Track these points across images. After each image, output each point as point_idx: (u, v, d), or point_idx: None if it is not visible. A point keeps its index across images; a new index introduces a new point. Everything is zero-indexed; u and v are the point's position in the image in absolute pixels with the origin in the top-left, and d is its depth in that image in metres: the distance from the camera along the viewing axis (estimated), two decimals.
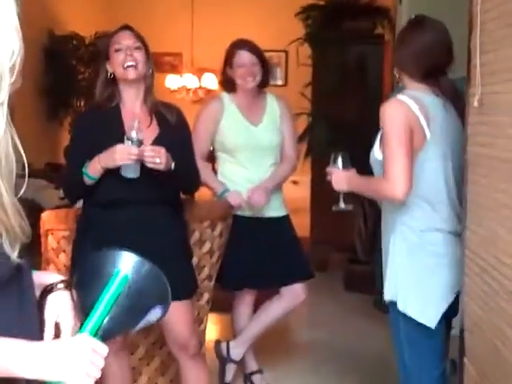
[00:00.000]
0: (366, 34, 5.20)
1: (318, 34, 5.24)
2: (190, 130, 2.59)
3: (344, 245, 5.00)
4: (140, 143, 2.27)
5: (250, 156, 3.08)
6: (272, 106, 3.17)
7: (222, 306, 3.28)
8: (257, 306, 3.24)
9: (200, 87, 7.92)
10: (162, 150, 2.27)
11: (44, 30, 6.64)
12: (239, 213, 3.03)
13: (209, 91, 7.71)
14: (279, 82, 7.95)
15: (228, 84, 3.11)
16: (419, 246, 2.17)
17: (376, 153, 2.19)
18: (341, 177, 2.25)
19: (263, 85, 3.12)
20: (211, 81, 7.81)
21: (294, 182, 6.64)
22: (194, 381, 2.52)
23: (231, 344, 3.16)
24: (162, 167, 2.26)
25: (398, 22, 4.45)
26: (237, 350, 3.15)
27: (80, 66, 6.96)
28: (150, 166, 2.25)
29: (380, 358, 3.44)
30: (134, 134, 2.27)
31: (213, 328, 3.75)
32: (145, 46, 2.44)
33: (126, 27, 2.48)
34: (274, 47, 6.98)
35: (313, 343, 3.92)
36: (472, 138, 1.95)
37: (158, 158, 2.25)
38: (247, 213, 3.07)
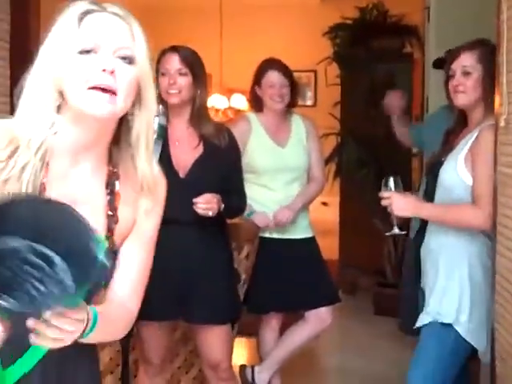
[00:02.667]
0: (394, 52, 5.13)
1: (347, 54, 5.20)
2: (239, 154, 2.58)
3: (373, 268, 4.91)
4: (162, 128, 2.25)
5: (277, 178, 3.04)
6: (298, 126, 3.14)
7: (248, 329, 3.22)
8: (283, 331, 3.18)
9: (229, 107, 7.93)
10: (214, 200, 2.27)
11: None
12: (265, 235, 2.99)
13: (238, 111, 7.71)
14: (308, 103, 7.91)
15: (256, 103, 3.08)
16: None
17: (462, 175, 2.10)
18: (403, 202, 2.16)
19: (291, 106, 3.09)
20: (240, 101, 7.81)
21: (324, 204, 6.58)
22: None
23: (256, 369, 3.10)
24: (211, 215, 2.28)
25: (427, 40, 4.39)
26: (262, 375, 3.09)
27: None
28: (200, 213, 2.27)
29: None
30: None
31: (239, 352, 3.69)
32: (192, 69, 2.39)
33: (174, 49, 2.42)
34: (303, 67, 6.97)
35: (341, 368, 3.82)
36: (500, 158, 1.88)
37: (210, 211, 2.27)
38: (273, 235, 3.02)
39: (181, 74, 2.38)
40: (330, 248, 4.32)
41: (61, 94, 1.10)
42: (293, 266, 3.01)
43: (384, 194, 2.20)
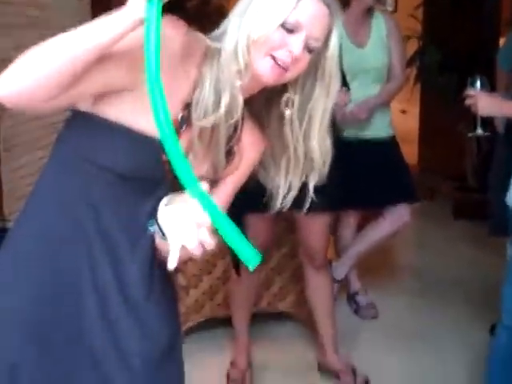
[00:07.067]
0: None
1: None
2: None
3: (453, 173, 4.84)
4: None
5: (356, 79, 2.98)
6: (379, 24, 3.06)
7: None
8: (360, 229, 3.23)
9: None
10: None
11: None
12: (344, 134, 2.99)
13: None
14: (389, 8, 7.61)
15: None
16: None
17: None
18: (488, 101, 2.11)
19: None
20: None
21: (403, 112, 6.46)
22: (318, 291, 2.62)
23: (333, 264, 3.17)
24: None
25: None
26: (339, 269, 3.15)
27: None
28: None
29: (485, 285, 3.36)
30: None
31: None
32: None
33: None
34: None
35: (418, 268, 3.84)
36: None
37: None
38: (352, 133, 3.01)
39: None
40: (408, 154, 4.27)
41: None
42: (371, 163, 3.01)
43: (469, 92, 2.16)
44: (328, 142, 1.24)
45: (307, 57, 1.15)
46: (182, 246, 1.02)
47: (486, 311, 2.97)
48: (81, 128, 1.14)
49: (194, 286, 2.85)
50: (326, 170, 1.28)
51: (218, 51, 1.14)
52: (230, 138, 1.20)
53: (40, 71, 0.96)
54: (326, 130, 1.23)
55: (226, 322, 2.75)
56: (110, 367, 1.15)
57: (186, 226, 1.01)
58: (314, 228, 2.52)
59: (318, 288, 2.61)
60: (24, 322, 1.13)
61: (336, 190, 2.86)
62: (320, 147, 1.23)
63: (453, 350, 2.85)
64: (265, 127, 1.26)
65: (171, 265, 1.02)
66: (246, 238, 0.99)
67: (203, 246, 1.01)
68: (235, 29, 1.13)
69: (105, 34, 0.98)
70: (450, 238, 4.22)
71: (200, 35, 1.15)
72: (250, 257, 0.98)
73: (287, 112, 1.21)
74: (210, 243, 1.01)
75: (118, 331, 1.15)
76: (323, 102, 1.21)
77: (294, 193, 1.27)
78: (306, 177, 1.27)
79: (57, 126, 1.25)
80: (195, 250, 1.01)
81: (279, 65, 1.12)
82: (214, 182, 1.22)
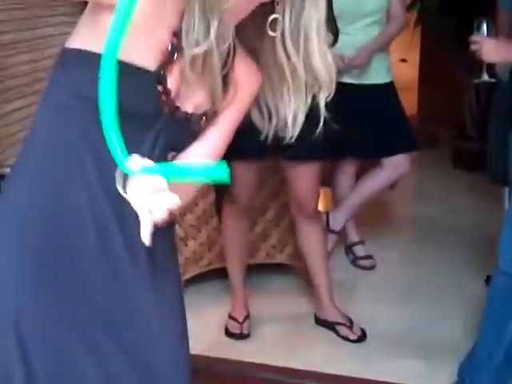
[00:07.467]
0: None
1: None
2: None
3: (453, 121, 4.80)
4: None
5: (356, 22, 2.93)
6: None
7: (322, 178, 3.25)
8: (358, 179, 3.20)
9: None
10: None
11: None
12: (343, 80, 2.93)
13: None
14: None
15: None
16: None
17: None
18: (494, 47, 2.07)
19: None
20: None
21: (402, 60, 6.35)
22: (309, 242, 2.60)
23: (331, 214, 3.17)
24: None
25: None
26: (337, 219, 3.14)
27: None
28: None
29: (484, 234, 3.36)
30: None
31: None
32: None
33: None
34: None
35: (417, 217, 3.84)
36: None
37: None
38: (349, 80, 2.96)
39: None
40: (408, 102, 4.22)
41: None
42: (369, 111, 2.96)
43: (473, 38, 2.10)
44: (329, 56, 1.19)
45: None
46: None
47: (484, 261, 2.97)
48: (70, 62, 1.11)
49: (192, 236, 2.84)
50: (334, 85, 1.20)
51: None
52: (224, 65, 1.16)
53: None
54: (325, 44, 1.18)
55: (225, 273, 2.75)
56: (115, 305, 1.14)
57: (145, 198, 0.95)
58: (302, 178, 2.48)
59: (310, 238, 2.59)
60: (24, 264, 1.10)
61: (323, 137, 2.83)
62: (323, 62, 1.18)
63: (450, 300, 2.86)
64: (259, 59, 1.22)
65: (145, 240, 0.96)
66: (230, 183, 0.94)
67: (169, 209, 0.95)
68: None
69: None
70: (450, 187, 4.20)
71: None
72: (219, 173, 0.89)
73: (274, 34, 1.14)
74: (175, 203, 0.94)
75: (120, 269, 1.13)
76: (315, 12, 1.15)
77: (301, 119, 1.22)
78: (314, 98, 1.21)
79: (50, 70, 1.22)
80: (162, 217, 0.95)
81: None
82: (212, 116, 1.18)
